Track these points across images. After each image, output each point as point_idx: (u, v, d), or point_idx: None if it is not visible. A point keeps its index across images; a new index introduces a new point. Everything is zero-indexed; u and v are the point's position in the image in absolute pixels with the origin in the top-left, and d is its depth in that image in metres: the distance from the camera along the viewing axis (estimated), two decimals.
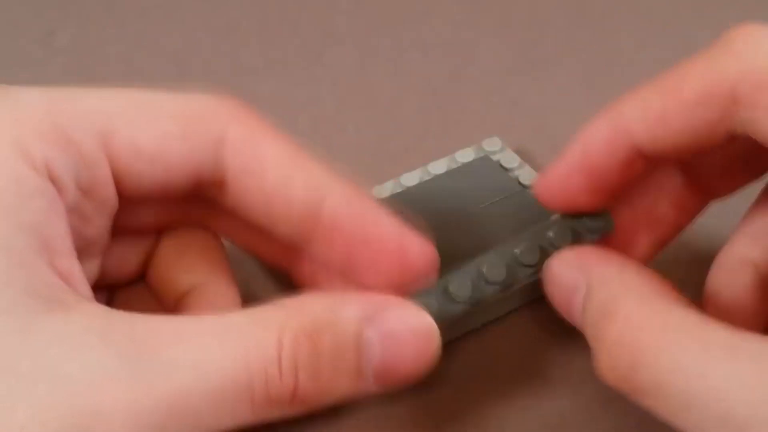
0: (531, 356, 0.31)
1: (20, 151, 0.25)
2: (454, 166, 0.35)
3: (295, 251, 0.30)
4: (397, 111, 0.39)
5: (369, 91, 0.40)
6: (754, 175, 0.29)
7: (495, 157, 0.35)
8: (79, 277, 0.26)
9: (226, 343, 0.25)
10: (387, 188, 0.34)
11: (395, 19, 0.44)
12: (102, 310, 0.25)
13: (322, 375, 0.25)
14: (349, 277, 0.28)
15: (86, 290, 0.26)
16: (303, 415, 0.26)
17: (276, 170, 0.27)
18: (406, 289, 0.27)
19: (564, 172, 0.28)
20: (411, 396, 0.30)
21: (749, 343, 0.23)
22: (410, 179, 0.34)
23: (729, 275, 0.28)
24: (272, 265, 0.31)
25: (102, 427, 0.23)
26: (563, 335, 0.31)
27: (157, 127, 0.27)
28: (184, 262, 0.30)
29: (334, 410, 0.29)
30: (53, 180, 0.26)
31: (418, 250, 0.27)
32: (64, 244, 0.26)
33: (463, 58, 0.42)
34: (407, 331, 0.26)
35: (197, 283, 0.29)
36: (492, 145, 0.36)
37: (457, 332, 0.31)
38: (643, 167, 0.27)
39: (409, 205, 0.32)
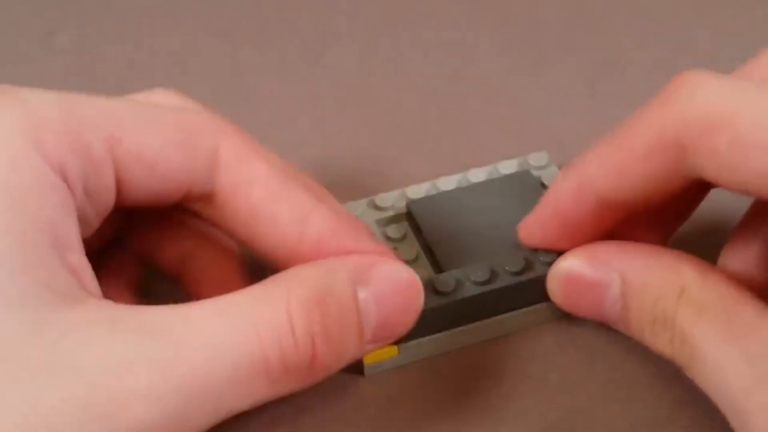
0: (529, 360, 0.31)
1: (36, 146, 0.26)
2: (495, 175, 0.34)
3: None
4: (397, 111, 0.39)
5: (368, 92, 0.40)
6: None
7: (537, 173, 0.34)
8: (88, 272, 0.26)
9: (233, 322, 0.25)
10: (422, 189, 0.34)
11: (395, 19, 0.44)
12: (106, 303, 0.25)
13: (334, 339, 0.26)
14: None
15: (94, 285, 0.26)
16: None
17: (264, 187, 0.28)
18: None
19: (540, 222, 0.29)
20: (410, 396, 0.30)
21: None
22: (448, 183, 0.34)
23: (742, 249, 0.29)
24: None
25: (125, 413, 0.23)
26: (561, 338, 0.31)
27: (159, 134, 0.27)
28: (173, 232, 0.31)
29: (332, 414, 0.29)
30: (67, 179, 0.26)
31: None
32: (75, 239, 0.26)
33: (463, 58, 0.42)
34: (396, 285, 0.28)
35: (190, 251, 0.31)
36: (538, 159, 0.34)
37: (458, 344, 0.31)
38: (615, 215, 0.28)
39: (442, 209, 0.33)
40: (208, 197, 0.28)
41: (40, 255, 0.25)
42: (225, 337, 0.25)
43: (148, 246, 0.32)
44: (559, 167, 0.34)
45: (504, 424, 0.29)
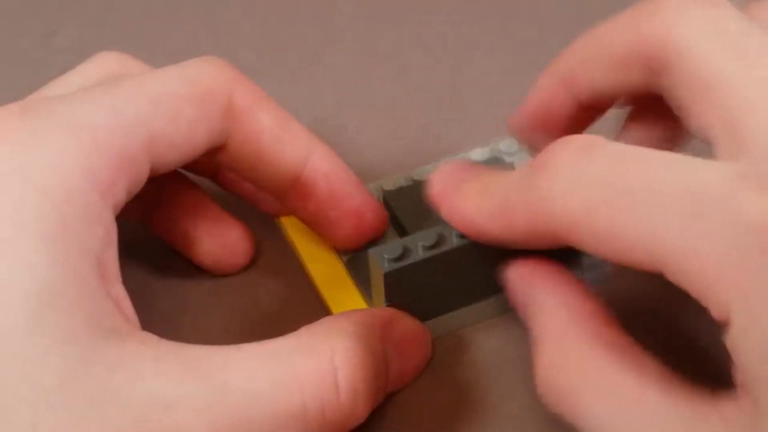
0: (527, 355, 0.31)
1: (90, 177, 0.26)
2: None
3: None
4: (398, 111, 0.40)
5: (369, 91, 0.40)
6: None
7: (509, 159, 0.35)
8: (127, 301, 0.27)
9: (275, 370, 0.25)
10: (397, 181, 0.34)
11: (395, 19, 0.44)
12: (149, 338, 0.26)
13: (371, 393, 0.27)
14: (316, 229, 0.32)
15: (132, 314, 0.27)
16: None
17: (270, 136, 0.30)
18: (362, 242, 0.32)
19: (526, 116, 0.31)
20: (408, 394, 0.30)
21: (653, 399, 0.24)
22: (421, 174, 0.34)
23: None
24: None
25: None
26: None
27: (184, 116, 0.28)
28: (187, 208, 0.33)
29: None
30: (114, 201, 0.27)
31: (375, 211, 0.32)
32: (115, 269, 0.27)
33: (464, 57, 0.42)
34: (412, 339, 0.29)
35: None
36: (508, 146, 0.35)
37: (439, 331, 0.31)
38: (589, 114, 0.30)
39: (414, 200, 0.33)
40: (221, 148, 0.30)
41: (89, 289, 0.25)
42: (267, 384, 0.25)
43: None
44: (529, 153, 0.35)
45: (504, 423, 0.29)
